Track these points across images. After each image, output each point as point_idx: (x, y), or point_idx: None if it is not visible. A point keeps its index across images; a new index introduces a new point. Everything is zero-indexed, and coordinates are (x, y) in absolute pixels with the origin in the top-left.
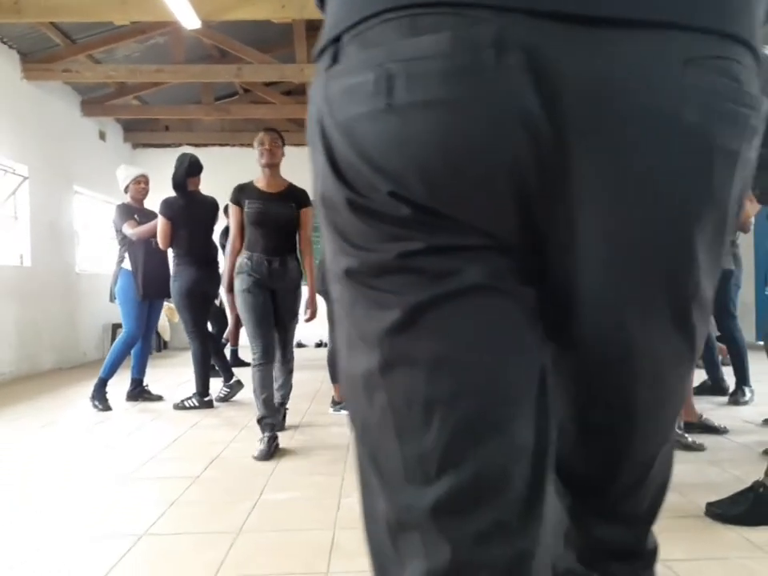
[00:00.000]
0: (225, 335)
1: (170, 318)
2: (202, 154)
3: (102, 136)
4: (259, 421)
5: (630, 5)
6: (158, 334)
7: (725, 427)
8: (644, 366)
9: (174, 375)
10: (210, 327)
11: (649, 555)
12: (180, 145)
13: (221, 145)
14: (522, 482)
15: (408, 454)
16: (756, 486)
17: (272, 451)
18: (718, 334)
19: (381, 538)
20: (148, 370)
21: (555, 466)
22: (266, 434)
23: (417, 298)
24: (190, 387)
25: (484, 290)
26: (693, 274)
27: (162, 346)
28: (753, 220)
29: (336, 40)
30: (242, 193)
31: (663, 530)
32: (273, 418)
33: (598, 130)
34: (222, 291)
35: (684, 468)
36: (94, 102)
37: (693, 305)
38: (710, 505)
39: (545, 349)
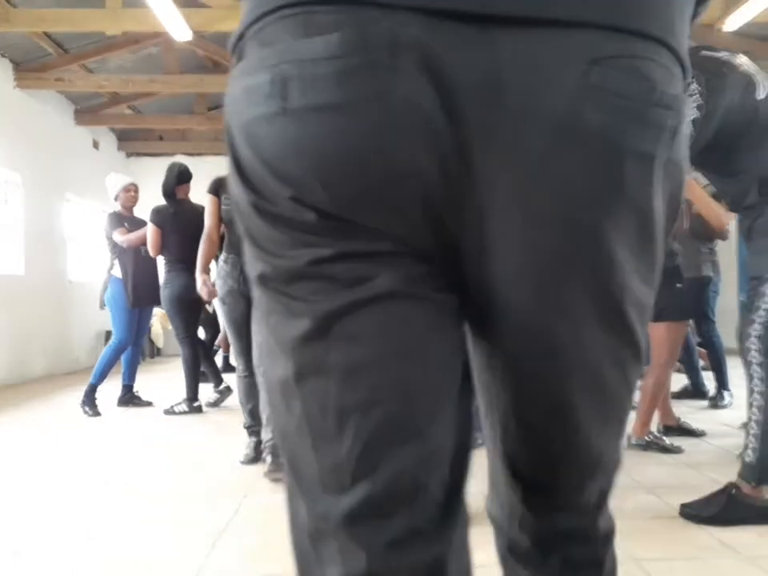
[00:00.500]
0: (217, 342)
1: (163, 325)
2: (195, 163)
3: (96, 145)
4: (247, 428)
5: (528, 3)
6: (151, 341)
7: (702, 430)
8: (577, 370)
9: (165, 381)
10: (203, 333)
11: (603, 537)
12: (174, 154)
13: (214, 154)
14: (439, 488)
15: (323, 462)
16: (729, 487)
17: (258, 456)
18: (699, 339)
19: (303, 541)
20: (140, 376)
21: (504, 461)
22: (253, 439)
23: (328, 306)
24: (181, 393)
25: (398, 296)
26: (615, 278)
27: (156, 352)
28: (730, 228)
29: (243, 36)
30: (221, 186)
31: (637, 531)
32: (259, 425)
33: (497, 134)
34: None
35: (661, 470)
36: (87, 111)
37: (626, 307)
38: (684, 506)
39: (476, 348)
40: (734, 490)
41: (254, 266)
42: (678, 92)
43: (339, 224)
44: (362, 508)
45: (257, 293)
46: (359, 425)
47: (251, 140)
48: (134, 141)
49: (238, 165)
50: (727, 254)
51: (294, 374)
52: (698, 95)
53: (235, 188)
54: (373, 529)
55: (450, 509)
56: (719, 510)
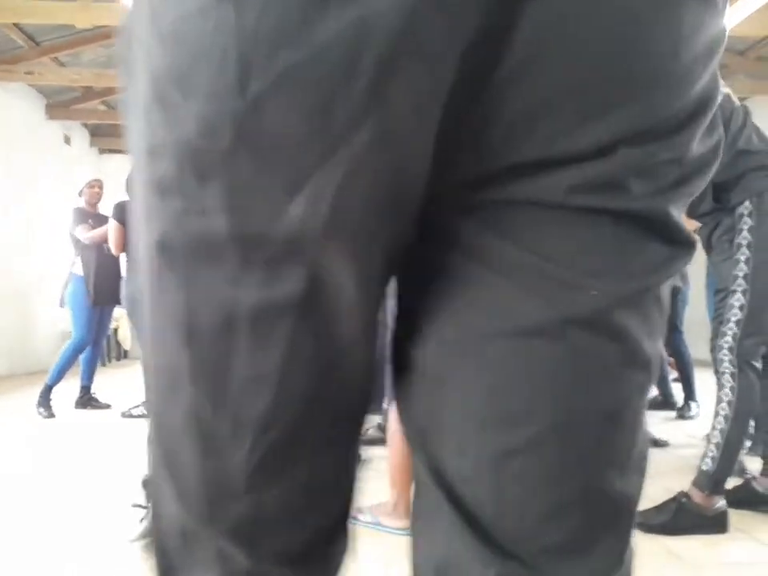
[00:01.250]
0: None
1: (131, 326)
2: None
3: (68, 140)
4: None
5: None
6: (117, 343)
7: (665, 441)
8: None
9: (128, 383)
10: None
11: None
12: None
13: None
14: (338, 500)
15: (210, 469)
16: (679, 496)
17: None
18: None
19: (172, 537)
20: (103, 378)
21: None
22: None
23: (240, 299)
24: (142, 395)
25: (319, 299)
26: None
27: (122, 354)
28: (696, 237)
29: None
30: None
31: None
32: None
33: None
34: None
35: None
36: (59, 105)
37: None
38: None
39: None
40: (683, 499)
41: (151, 228)
42: None
43: (277, 179)
44: (250, 520)
45: (148, 258)
46: (259, 436)
47: (181, 46)
48: (107, 137)
49: (159, 89)
50: (697, 264)
51: (189, 368)
52: None
53: (154, 121)
54: (260, 539)
55: (340, 529)
56: (668, 518)
